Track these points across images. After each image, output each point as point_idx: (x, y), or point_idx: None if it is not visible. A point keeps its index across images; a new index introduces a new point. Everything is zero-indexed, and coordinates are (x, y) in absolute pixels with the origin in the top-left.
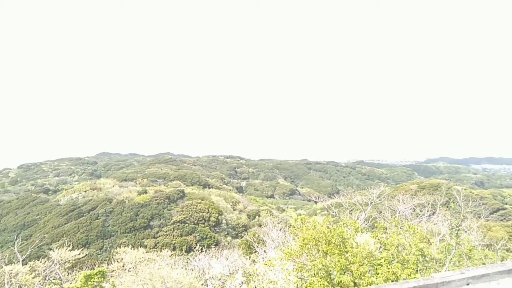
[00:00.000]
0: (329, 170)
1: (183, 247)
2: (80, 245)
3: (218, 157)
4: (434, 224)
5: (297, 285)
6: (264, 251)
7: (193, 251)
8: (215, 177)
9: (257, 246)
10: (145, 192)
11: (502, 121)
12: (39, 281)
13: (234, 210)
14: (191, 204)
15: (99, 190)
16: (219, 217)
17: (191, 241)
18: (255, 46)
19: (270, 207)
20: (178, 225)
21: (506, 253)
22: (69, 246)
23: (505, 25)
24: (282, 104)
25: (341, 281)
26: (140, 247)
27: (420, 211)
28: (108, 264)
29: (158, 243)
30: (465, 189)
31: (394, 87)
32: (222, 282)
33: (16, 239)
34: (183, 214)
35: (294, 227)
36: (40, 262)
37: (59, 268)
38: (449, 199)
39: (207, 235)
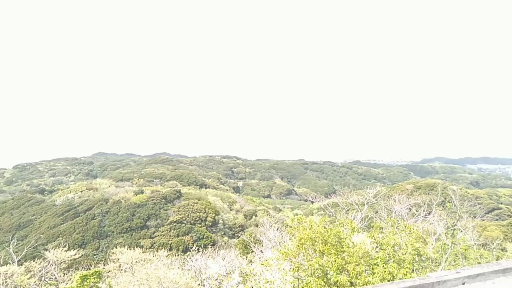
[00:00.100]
0: (325, 170)
1: (180, 247)
2: (76, 245)
3: (214, 157)
4: (430, 223)
5: (294, 285)
6: (261, 251)
7: (190, 251)
8: (212, 177)
9: (254, 246)
10: (142, 192)
11: (498, 121)
12: (35, 281)
13: (231, 210)
14: (188, 204)
15: (95, 190)
16: (216, 217)
17: (187, 241)
18: (250, 46)
19: (266, 207)
20: (175, 225)
21: (501, 252)
22: (65, 246)
23: (503, 25)
24: (279, 104)
25: (337, 280)
26: (137, 247)
27: (416, 211)
28: (104, 265)
29: (154, 243)
30: (460, 189)
31: (390, 88)
32: (219, 282)
33: (11, 240)
34: (180, 214)
35: (291, 227)
36: (36, 262)
37: (55, 268)
38: (445, 199)
39: (203, 235)
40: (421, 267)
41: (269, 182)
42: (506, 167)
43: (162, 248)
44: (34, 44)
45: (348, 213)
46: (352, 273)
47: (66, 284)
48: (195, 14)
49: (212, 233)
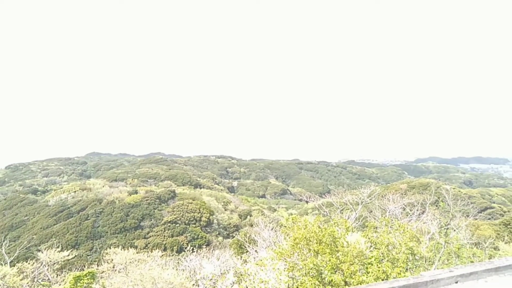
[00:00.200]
0: (320, 170)
1: (174, 247)
2: (69, 246)
3: (209, 157)
4: (424, 223)
5: (288, 284)
6: (256, 251)
7: (184, 251)
8: (207, 177)
9: (249, 246)
10: (136, 192)
11: (490, 121)
12: (27, 282)
13: (225, 210)
14: (182, 204)
15: (89, 191)
16: (211, 217)
17: (182, 241)
18: (243, 46)
19: (261, 207)
20: (169, 226)
21: (494, 251)
22: (58, 247)
23: (500, 26)
24: (274, 104)
25: (332, 280)
26: (131, 247)
27: (410, 210)
28: (98, 265)
29: (148, 243)
30: (454, 188)
31: (385, 88)
32: (213, 282)
33: (3, 241)
34: (174, 214)
35: (286, 226)
36: (28, 263)
37: (47, 269)
38: (438, 198)
39: (198, 235)
40: (414, 266)
41: (264, 182)
42: (499, 167)
43: (156, 249)
44: (25, 44)
45: (342, 213)
46: (347, 272)
47: (59, 285)
48: (192, 15)
49: (207, 233)
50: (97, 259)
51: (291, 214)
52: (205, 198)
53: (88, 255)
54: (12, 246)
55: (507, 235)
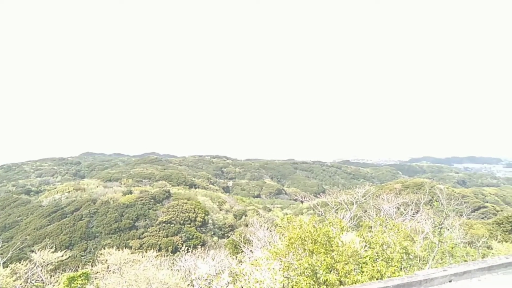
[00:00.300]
0: (315, 170)
1: (169, 247)
2: (63, 246)
3: (204, 157)
4: (418, 222)
5: (284, 284)
6: (251, 250)
7: (179, 251)
8: (201, 177)
9: (244, 246)
10: (130, 193)
11: (483, 121)
12: (21, 284)
13: (220, 210)
14: (177, 205)
15: (83, 191)
16: (206, 217)
17: (177, 241)
18: (237, 46)
19: (256, 207)
20: (164, 226)
21: (487, 250)
22: (51, 248)
23: (497, 26)
24: (269, 104)
25: (327, 279)
26: (125, 248)
27: (404, 210)
28: (92, 266)
29: (143, 244)
30: (447, 188)
31: (379, 88)
32: (209, 283)
33: None
34: (169, 215)
35: (281, 226)
36: (22, 264)
37: (41, 270)
38: (432, 197)
39: (193, 236)
40: (409, 265)
41: (259, 182)
42: (492, 166)
43: (151, 249)
44: (15, 43)
45: (337, 212)
46: (341, 272)
47: (53, 286)
48: (187, 14)
49: (202, 233)
50: (91, 260)
51: (286, 214)
52: (200, 198)
53: (82, 256)
54: (5, 247)
55: (500, 234)
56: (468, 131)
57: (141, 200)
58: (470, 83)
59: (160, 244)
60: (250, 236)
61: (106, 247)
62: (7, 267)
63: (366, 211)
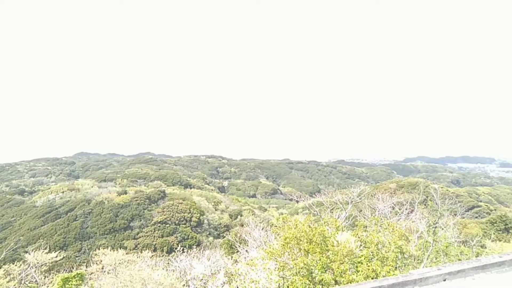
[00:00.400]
0: (310, 170)
1: (164, 248)
2: (57, 247)
3: (199, 157)
4: (412, 221)
5: (279, 284)
6: (246, 250)
7: (175, 252)
8: (197, 177)
9: (239, 246)
10: (125, 193)
11: (477, 121)
12: (14, 285)
13: (216, 210)
14: (172, 205)
15: (77, 191)
16: (201, 217)
17: (172, 241)
18: (232, 45)
19: (252, 207)
20: (159, 226)
21: (481, 249)
22: (45, 248)
23: (495, 26)
24: (264, 104)
25: (322, 279)
26: (120, 248)
27: (399, 209)
28: (86, 267)
29: (138, 244)
30: (441, 187)
31: (374, 89)
32: (204, 283)
33: None
34: (164, 215)
35: (276, 226)
36: (15, 265)
37: (35, 271)
38: (427, 197)
39: (188, 236)
40: (403, 265)
41: (255, 182)
42: (485, 166)
43: (146, 249)
44: (10, 43)
45: (332, 212)
46: (337, 271)
47: (47, 287)
48: (186, 15)
49: (197, 234)
50: (85, 260)
51: (282, 214)
52: (195, 198)
53: (76, 256)
54: None
55: (494, 233)
56: (462, 131)
57: (136, 200)
58: (465, 84)
59: (155, 244)
60: (246, 236)
61: (100, 248)
62: (0, 268)
63: (361, 210)
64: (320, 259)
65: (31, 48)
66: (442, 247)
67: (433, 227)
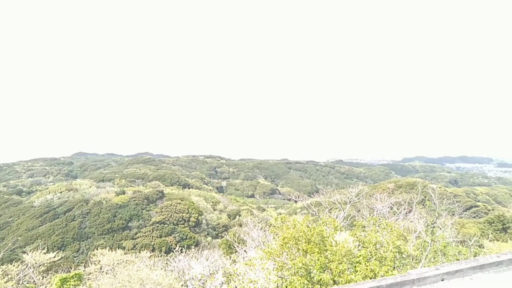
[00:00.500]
0: (308, 170)
1: (163, 248)
2: (55, 247)
3: (198, 157)
4: (411, 221)
5: (278, 284)
6: (245, 250)
7: (173, 252)
8: (195, 177)
9: (238, 246)
10: (123, 193)
11: (475, 121)
12: (12, 285)
13: (214, 210)
14: (171, 205)
15: (75, 191)
16: (199, 217)
17: (170, 242)
18: (229, 45)
19: (250, 207)
20: (157, 226)
21: (479, 249)
22: (43, 249)
23: (494, 26)
24: (263, 104)
25: (320, 279)
26: (118, 248)
27: (397, 209)
28: (85, 267)
29: (136, 244)
30: (440, 187)
31: (372, 88)
32: (202, 283)
33: None
34: (163, 215)
35: (275, 226)
36: (13, 266)
37: (33, 271)
38: (425, 197)
39: (187, 236)
40: (402, 264)
41: (253, 182)
42: (483, 166)
43: (144, 249)
44: (6, 41)
45: (331, 212)
46: (335, 271)
47: (45, 287)
48: (184, 15)
49: (196, 234)
50: (84, 261)
51: (280, 214)
52: (193, 198)
53: (74, 257)
54: None
55: (492, 233)
56: (460, 131)
57: (134, 201)
58: (463, 84)
59: (154, 244)
60: (244, 236)
61: (99, 248)
62: None
63: (359, 210)
64: (318, 259)
65: (29, 47)
66: (440, 247)
67: (431, 227)
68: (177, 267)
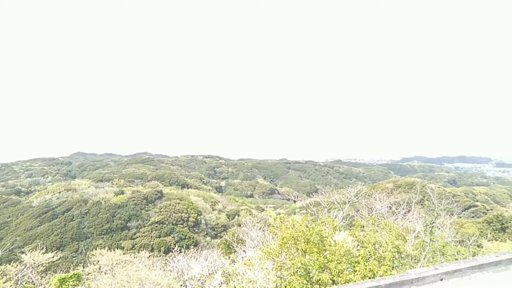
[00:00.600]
0: (307, 170)
1: (162, 248)
2: (54, 247)
3: (196, 156)
4: (409, 221)
5: (277, 284)
6: (244, 250)
7: (172, 252)
8: (194, 177)
9: (237, 246)
10: (122, 193)
11: (473, 121)
12: (11, 285)
13: (213, 210)
14: (170, 205)
15: (74, 191)
16: (198, 217)
17: (169, 242)
18: (230, 45)
19: (249, 207)
20: (156, 226)
21: (477, 248)
22: (42, 249)
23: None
24: (261, 104)
25: (319, 279)
26: (117, 248)
27: (396, 209)
28: (83, 267)
29: (135, 244)
30: (438, 187)
31: (371, 88)
32: (201, 283)
33: None
34: (161, 215)
35: (273, 226)
36: (12, 266)
37: (31, 271)
38: (424, 197)
39: (186, 236)
40: (400, 264)
41: (252, 182)
42: (482, 166)
43: (143, 249)
44: (5, 41)
45: (330, 212)
46: (334, 271)
47: (44, 287)
48: (184, 15)
49: (195, 234)
50: (82, 261)
51: (279, 214)
52: (192, 198)
53: (73, 257)
54: None
55: (490, 233)
56: (458, 131)
57: (133, 201)
58: (461, 84)
59: (153, 244)
60: (243, 236)
61: (97, 248)
62: None
63: (358, 210)
64: (317, 259)
65: (27, 47)
66: (439, 247)
67: (430, 227)
68: (176, 267)
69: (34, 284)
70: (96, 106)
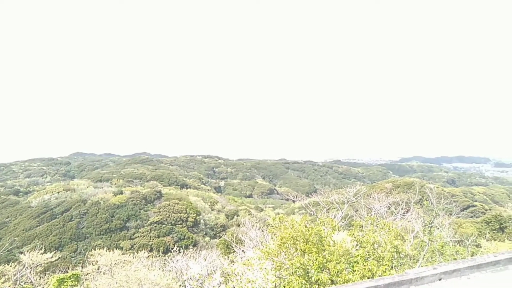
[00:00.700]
0: (306, 170)
1: (161, 248)
2: (52, 248)
3: (196, 157)
4: (408, 221)
5: (275, 284)
6: (243, 250)
7: (171, 252)
8: (193, 177)
9: (236, 246)
10: (121, 193)
11: (472, 121)
12: (9, 285)
13: (212, 210)
14: (169, 205)
15: (72, 191)
16: (197, 217)
17: (168, 242)
18: (229, 45)
19: (248, 207)
20: (155, 226)
21: (476, 248)
22: (41, 249)
23: (492, 26)
24: (261, 104)
25: (318, 279)
26: (116, 249)
27: (395, 209)
28: (82, 267)
29: (134, 244)
30: (437, 187)
31: (369, 88)
32: (200, 283)
33: None
34: (160, 215)
35: (273, 226)
36: (10, 266)
37: (30, 272)
38: (422, 197)
39: (185, 236)
40: (399, 264)
41: (251, 182)
42: (480, 166)
43: (142, 250)
44: (4, 41)
45: (329, 212)
46: (333, 271)
47: (43, 287)
48: (184, 15)
49: (194, 234)
50: (81, 261)
51: (278, 214)
52: (191, 198)
53: (72, 257)
54: None
55: (489, 233)
56: (457, 131)
57: (132, 201)
58: (460, 84)
59: (152, 244)
60: (242, 236)
61: (96, 248)
62: None
63: (357, 210)
64: (316, 259)
65: (26, 47)
66: (437, 247)
67: (428, 227)
68: (175, 267)
69: (32, 285)
70: (95, 106)
